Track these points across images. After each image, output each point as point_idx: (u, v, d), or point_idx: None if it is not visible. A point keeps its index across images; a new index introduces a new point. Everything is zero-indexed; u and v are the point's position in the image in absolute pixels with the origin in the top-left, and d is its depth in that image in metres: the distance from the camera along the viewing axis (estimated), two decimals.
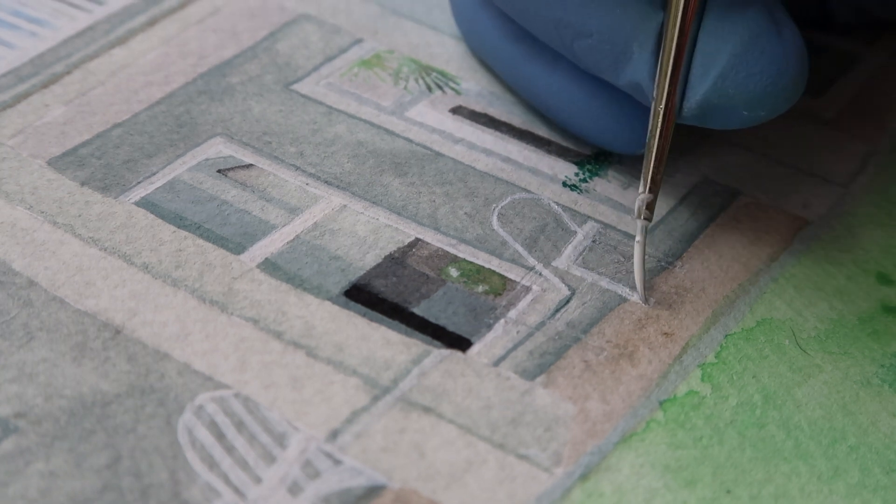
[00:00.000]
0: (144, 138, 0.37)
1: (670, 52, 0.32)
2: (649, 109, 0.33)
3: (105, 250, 0.33)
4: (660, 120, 0.32)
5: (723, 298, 0.33)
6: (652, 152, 0.33)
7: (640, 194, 0.33)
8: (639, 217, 0.33)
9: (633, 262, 0.34)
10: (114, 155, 0.36)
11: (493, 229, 0.35)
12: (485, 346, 0.32)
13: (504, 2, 0.36)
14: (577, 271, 0.34)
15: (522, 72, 0.38)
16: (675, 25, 0.32)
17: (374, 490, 0.28)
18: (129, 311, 0.32)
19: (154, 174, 0.36)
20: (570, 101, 0.37)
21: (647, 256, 0.34)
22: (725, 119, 0.33)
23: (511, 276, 0.33)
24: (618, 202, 0.36)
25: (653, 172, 0.33)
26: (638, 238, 0.33)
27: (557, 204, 0.36)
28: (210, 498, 0.28)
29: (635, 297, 0.33)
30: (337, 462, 0.29)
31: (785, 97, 0.32)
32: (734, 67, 0.32)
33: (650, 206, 0.33)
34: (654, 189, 0.33)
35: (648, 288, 0.33)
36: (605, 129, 0.36)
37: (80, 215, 0.34)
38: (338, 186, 0.36)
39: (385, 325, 0.32)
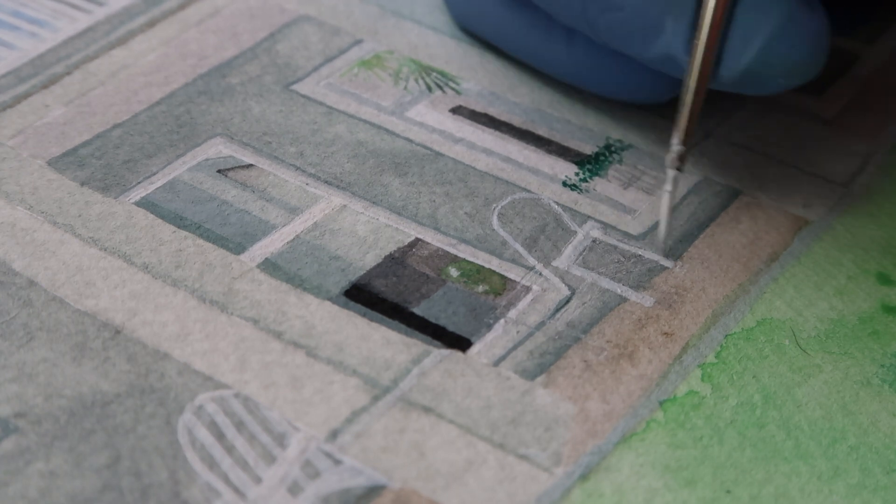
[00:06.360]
0: (144, 138, 0.37)
1: (708, 12, 0.33)
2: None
3: (105, 250, 0.33)
4: (695, 77, 0.34)
5: (723, 298, 0.33)
6: (686, 107, 0.34)
7: (674, 146, 0.34)
8: (671, 167, 0.34)
9: (640, 254, 0.34)
10: (114, 155, 0.36)
11: (494, 229, 0.35)
12: (485, 346, 0.32)
13: None
14: (577, 271, 0.34)
15: (536, 37, 0.39)
16: None
17: (374, 490, 0.28)
18: (129, 311, 0.32)
19: (154, 174, 0.36)
20: (591, 59, 0.38)
21: (641, 257, 0.34)
22: (762, 86, 0.34)
23: (511, 276, 0.33)
24: (618, 202, 0.36)
25: (686, 126, 0.34)
26: (668, 188, 0.34)
27: (557, 204, 0.36)
28: (210, 498, 0.28)
29: (635, 297, 0.33)
30: (337, 462, 0.29)
31: (817, 67, 0.34)
32: (779, 39, 0.33)
33: (682, 158, 0.34)
34: (686, 141, 0.34)
35: (649, 288, 0.33)
36: (630, 80, 0.37)
37: (80, 215, 0.34)
38: (338, 186, 0.36)
39: (385, 324, 0.32)
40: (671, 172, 0.34)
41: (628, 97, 0.38)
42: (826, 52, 0.34)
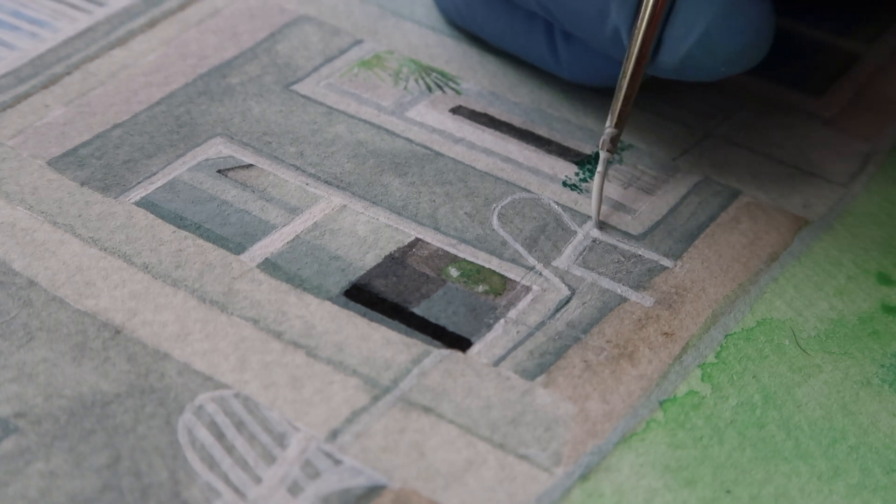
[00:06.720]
0: (144, 138, 0.37)
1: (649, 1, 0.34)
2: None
3: (105, 250, 0.33)
4: (632, 62, 0.34)
5: (723, 298, 0.33)
6: (622, 91, 0.35)
7: (607, 128, 0.35)
8: (602, 149, 0.35)
9: (629, 263, 0.34)
10: (114, 155, 0.36)
11: (494, 229, 0.35)
12: (485, 346, 0.32)
13: None
14: (578, 271, 0.34)
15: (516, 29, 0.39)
16: None
17: (374, 490, 0.28)
18: (129, 311, 0.32)
19: (154, 174, 0.36)
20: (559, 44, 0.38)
21: (641, 257, 0.34)
22: (703, 73, 0.34)
23: (511, 276, 0.33)
24: (618, 202, 0.36)
25: (620, 109, 0.35)
26: (599, 169, 0.35)
27: (557, 203, 0.36)
28: (210, 498, 0.28)
29: (635, 297, 0.33)
30: (337, 462, 0.29)
31: (759, 54, 0.34)
32: (720, 26, 0.33)
33: (614, 140, 0.35)
34: (619, 125, 0.35)
35: (649, 288, 0.33)
36: (609, 66, 0.37)
37: (80, 215, 0.34)
38: (338, 186, 0.36)
39: (385, 324, 0.32)
40: (603, 154, 0.35)
41: (605, 83, 0.38)
42: (769, 39, 0.34)
